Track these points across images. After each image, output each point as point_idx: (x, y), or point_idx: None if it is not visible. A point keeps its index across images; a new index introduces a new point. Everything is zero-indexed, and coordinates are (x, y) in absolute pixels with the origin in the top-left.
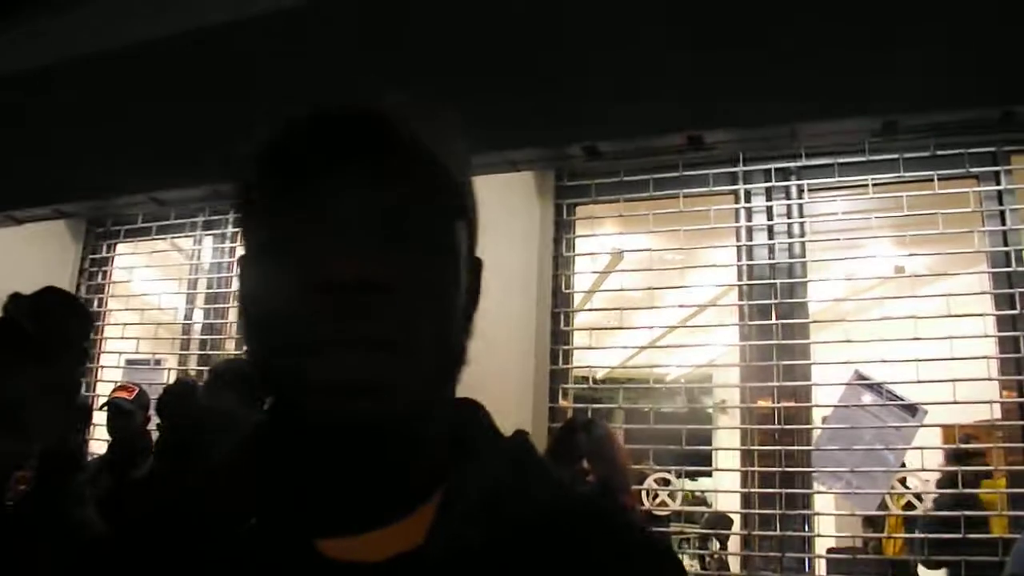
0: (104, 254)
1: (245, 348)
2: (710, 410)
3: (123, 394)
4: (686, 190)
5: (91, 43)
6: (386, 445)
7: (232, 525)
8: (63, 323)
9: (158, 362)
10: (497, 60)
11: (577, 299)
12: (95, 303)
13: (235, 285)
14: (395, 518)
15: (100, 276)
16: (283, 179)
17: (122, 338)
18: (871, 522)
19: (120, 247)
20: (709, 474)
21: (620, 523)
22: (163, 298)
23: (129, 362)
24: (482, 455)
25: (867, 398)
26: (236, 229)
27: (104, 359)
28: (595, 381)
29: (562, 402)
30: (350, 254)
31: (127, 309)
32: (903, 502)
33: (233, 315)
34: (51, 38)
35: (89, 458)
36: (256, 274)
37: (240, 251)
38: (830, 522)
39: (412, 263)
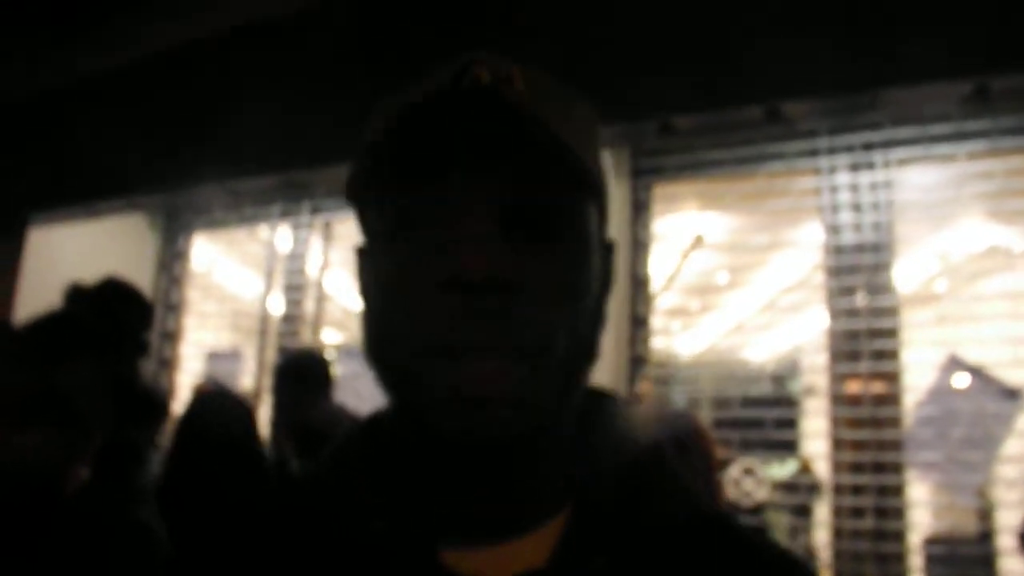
0: (182, 246)
1: (365, 348)
2: (795, 395)
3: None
4: (766, 167)
5: (159, 42)
6: (517, 458)
7: (354, 528)
8: (122, 314)
9: (238, 353)
10: (564, 34)
11: (657, 281)
12: (174, 295)
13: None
14: (521, 532)
15: (178, 268)
16: (406, 165)
17: (201, 330)
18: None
19: (198, 238)
20: (795, 460)
21: (759, 543)
22: (242, 288)
23: (210, 354)
24: (611, 466)
25: (963, 381)
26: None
27: (185, 350)
28: (676, 366)
29: (642, 387)
30: (483, 250)
31: (207, 300)
32: None
33: (311, 304)
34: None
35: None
36: (379, 269)
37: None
38: (924, 512)
39: (548, 259)
